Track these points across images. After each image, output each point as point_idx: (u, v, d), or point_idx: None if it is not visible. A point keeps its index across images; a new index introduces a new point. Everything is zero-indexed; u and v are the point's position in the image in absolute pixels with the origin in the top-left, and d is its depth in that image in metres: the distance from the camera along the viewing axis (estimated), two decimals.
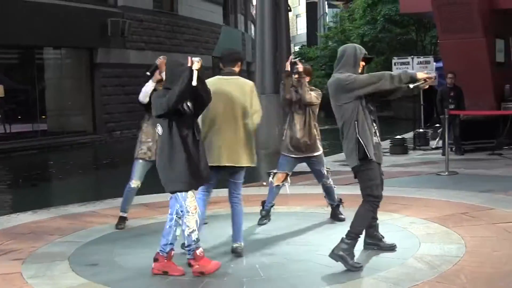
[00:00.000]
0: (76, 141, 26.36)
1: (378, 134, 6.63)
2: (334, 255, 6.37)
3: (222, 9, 42.74)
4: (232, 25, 46.62)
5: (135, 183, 8.52)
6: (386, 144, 18.02)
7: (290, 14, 31.97)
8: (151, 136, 8.27)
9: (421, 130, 18.67)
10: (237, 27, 48.21)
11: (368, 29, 38.54)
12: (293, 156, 8.58)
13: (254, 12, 33.59)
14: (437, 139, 17.52)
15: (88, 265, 6.91)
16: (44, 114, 27.51)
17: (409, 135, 19.37)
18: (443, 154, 14.00)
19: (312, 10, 69.52)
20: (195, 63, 6.18)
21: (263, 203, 8.72)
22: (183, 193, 6.25)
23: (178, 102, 6.15)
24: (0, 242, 8.09)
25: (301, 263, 6.77)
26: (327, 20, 62.01)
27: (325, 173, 8.69)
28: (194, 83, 6.15)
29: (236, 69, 7.27)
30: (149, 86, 8.22)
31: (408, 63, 18.50)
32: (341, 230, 6.95)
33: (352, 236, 6.43)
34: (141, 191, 8.69)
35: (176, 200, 6.35)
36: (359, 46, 6.70)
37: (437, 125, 18.87)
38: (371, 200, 6.51)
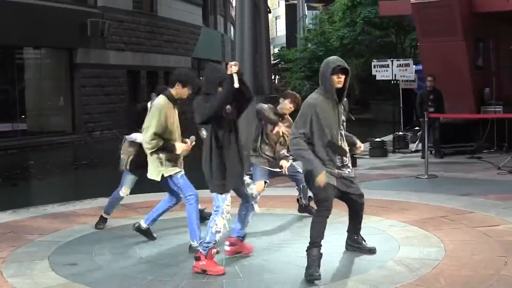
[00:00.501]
0: (55, 141, 26.22)
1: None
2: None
3: (201, 10, 42.74)
4: (211, 26, 46.64)
5: (124, 192, 8.51)
6: (365, 146, 18.12)
7: (270, 15, 32.05)
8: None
9: (400, 133, 18.74)
10: (217, 29, 48.23)
11: (347, 31, 38.64)
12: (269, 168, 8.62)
13: (234, 13, 33.68)
14: (417, 142, 17.59)
15: (67, 264, 6.91)
16: (23, 114, 27.32)
17: (388, 137, 19.44)
18: (423, 157, 14.06)
19: (291, 12, 69.64)
20: (233, 67, 6.28)
21: None
22: (223, 194, 6.46)
23: (222, 107, 6.34)
24: None
25: (281, 264, 6.79)
26: (307, 22, 62.11)
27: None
28: (236, 85, 6.28)
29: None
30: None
31: (387, 66, 18.56)
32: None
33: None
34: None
35: (215, 199, 6.55)
36: (333, 59, 6.55)
37: (417, 128, 18.95)
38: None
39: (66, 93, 28.33)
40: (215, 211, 6.53)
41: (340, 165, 6.42)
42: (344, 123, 6.62)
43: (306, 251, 6.29)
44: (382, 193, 10.71)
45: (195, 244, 7.04)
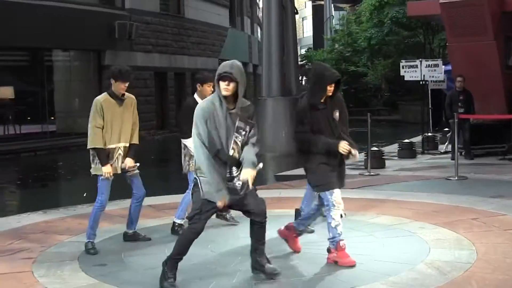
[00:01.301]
0: (84, 142, 26.24)
1: None
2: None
3: (228, 11, 42.79)
4: (238, 27, 46.66)
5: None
6: (394, 147, 18.04)
7: (297, 16, 31.97)
8: None
9: (429, 134, 18.63)
10: (244, 30, 48.25)
11: (375, 32, 38.45)
12: None
13: (261, 14, 33.69)
14: (446, 143, 17.47)
15: (97, 265, 6.94)
16: (53, 115, 27.57)
17: (417, 139, 19.33)
18: (453, 158, 13.95)
19: (318, 13, 69.48)
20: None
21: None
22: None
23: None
24: (11, 241, 8.14)
25: (310, 266, 6.76)
26: (334, 23, 61.96)
27: None
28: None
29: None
30: None
31: (416, 66, 18.43)
32: (348, 233, 6.93)
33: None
34: (148, 193, 8.67)
35: (324, 199, 6.75)
36: (221, 65, 6.12)
37: (446, 129, 18.81)
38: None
39: (95, 95, 28.27)
40: (327, 207, 6.74)
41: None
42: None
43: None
44: (412, 195, 10.64)
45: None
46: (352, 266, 6.59)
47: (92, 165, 7.66)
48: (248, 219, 6.32)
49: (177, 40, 34.43)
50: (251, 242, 6.38)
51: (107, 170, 7.47)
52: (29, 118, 27.26)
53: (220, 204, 5.90)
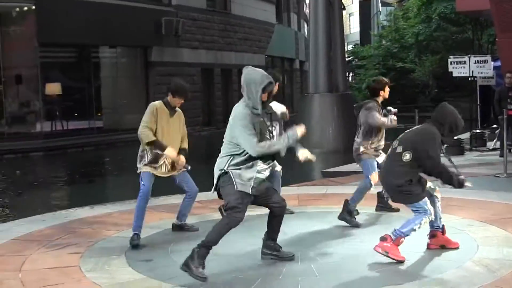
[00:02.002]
0: (131, 138, 26.53)
1: None
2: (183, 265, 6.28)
3: (275, 7, 42.72)
4: (285, 23, 46.58)
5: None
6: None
7: (344, 12, 31.83)
8: None
9: (478, 131, 18.38)
10: (290, 26, 48.15)
11: (422, 27, 38.15)
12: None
13: (308, 10, 33.60)
14: (495, 140, 17.21)
15: (143, 260, 6.98)
16: (100, 111, 27.87)
17: (465, 135, 19.08)
18: (501, 155, 13.73)
19: (365, 9, 69.02)
20: None
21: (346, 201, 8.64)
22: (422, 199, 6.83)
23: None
24: (59, 236, 8.25)
25: (356, 263, 6.73)
26: (381, 19, 61.50)
27: None
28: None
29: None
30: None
31: (465, 62, 18.20)
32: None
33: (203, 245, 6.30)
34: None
35: (419, 209, 6.84)
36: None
37: (494, 125, 18.54)
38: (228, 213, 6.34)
39: (141, 91, 28.69)
40: (424, 212, 6.77)
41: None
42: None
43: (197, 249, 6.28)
44: (460, 192, 10.43)
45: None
46: (402, 262, 6.60)
47: (139, 165, 7.88)
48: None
49: (224, 36, 34.53)
50: (268, 232, 6.81)
51: (170, 152, 7.73)
52: (76, 114, 27.55)
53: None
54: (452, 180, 6.87)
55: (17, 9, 25.41)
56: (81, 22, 24.73)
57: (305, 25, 48.28)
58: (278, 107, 8.49)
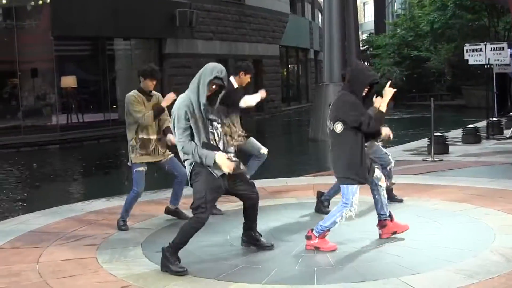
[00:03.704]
0: None
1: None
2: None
3: None
4: (299, 13, 46.47)
5: None
6: (458, 133, 17.78)
7: (358, 1, 31.71)
8: None
9: (494, 119, 18.29)
10: (304, 16, 48.04)
11: (438, 15, 37.92)
12: None
13: (321, 0, 33.51)
14: None
15: (160, 251, 6.96)
16: (115, 103, 27.93)
17: (482, 124, 19.00)
18: None
19: None
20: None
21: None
22: (354, 187, 6.69)
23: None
24: (75, 228, 8.28)
25: (372, 252, 6.73)
26: (396, 7, 61.25)
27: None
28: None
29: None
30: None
31: (481, 50, 18.09)
32: (412, 219, 6.84)
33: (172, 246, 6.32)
34: None
35: (344, 193, 6.75)
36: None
37: (511, 113, 18.45)
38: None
39: (156, 83, 28.66)
40: (344, 203, 6.71)
41: None
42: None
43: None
44: (476, 181, 10.45)
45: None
46: (334, 250, 6.72)
47: (132, 155, 8.20)
48: None
49: (238, 27, 34.48)
50: (246, 223, 6.81)
51: (170, 96, 8.02)
52: (91, 106, 27.66)
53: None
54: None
55: (32, 3, 25.50)
56: (96, 15, 24.79)
57: (319, 15, 48.15)
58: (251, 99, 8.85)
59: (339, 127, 6.68)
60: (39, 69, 25.69)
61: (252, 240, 6.88)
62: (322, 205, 8.53)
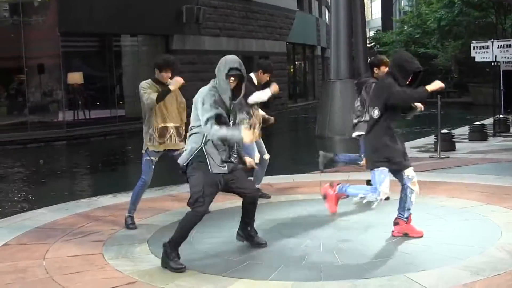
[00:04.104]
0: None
1: None
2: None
3: None
4: (306, 10, 46.41)
5: None
6: (464, 130, 17.74)
7: None
8: None
9: (501, 116, 18.26)
10: (311, 12, 47.99)
11: (445, 12, 37.85)
12: None
13: None
14: None
15: None
16: (121, 100, 27.95)
17: (488, 121, 18.96)
18: None
19: None
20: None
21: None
22: (382, 175, 6.77)
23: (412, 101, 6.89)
24: (82, 224, 8.30)
25: (378, 249, 6.71)
26: (403, 4, 61.13)
27: None
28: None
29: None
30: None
31: (488, 47, 18.05)
32: (418, 216, 6.84)
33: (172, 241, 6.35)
34: None
35: (374, 179, 6.82)
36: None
37: None
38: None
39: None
40: (373, 188, 6.82)
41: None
42: None
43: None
44: (483, 178, 10.44)
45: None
46: (421, 236, 6.77)
47: (149, 143, 8.11)
48: None
49: (245, 24, 34.45)
50: (244, 219, 6.79)
51: (177, 79, 8.05)
52: (98, 103, 27.69)
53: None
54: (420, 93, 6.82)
55: None
56: (102, 11, 24.80)
57: (326, 12, 48.13)
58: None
59: (375, 113, 6.76)
60: (45, 65, 25.71)
61: (247, 235, 6.88)
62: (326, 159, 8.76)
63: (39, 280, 6.09)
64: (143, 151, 8.19)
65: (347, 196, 7.01)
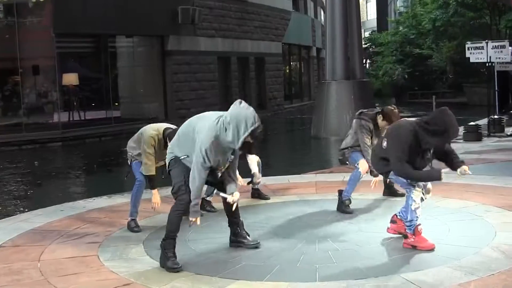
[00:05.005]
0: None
1: None
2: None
3: None
4: (301, 11, 46.42)
5: None
6: (459, 130, 17.77)
7: None
8: None
9: (496, 117, 18.28)
10: (307, 13, 47.99)
11: (440, 13, 37.90)
12: None
13: None
14: None
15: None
16: (117, 101, 27.91)
17: (483, 121, 18.99)
18: None
19: None
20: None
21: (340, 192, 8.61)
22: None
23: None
24: (77, 225, 8.30)
25: (373, 249, 6.74)
26: (398, 5, 61.22)
27: None
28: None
29: None
30: None
31: (482, 48, 18.08)
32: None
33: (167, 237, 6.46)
34: None
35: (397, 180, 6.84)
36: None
37: None
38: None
39: (158, 80, 28.72)
40: (407, 189, 6.74)
41: None
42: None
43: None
44: (478, 178, 10.44)
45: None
46: (432, 250, 6.53)
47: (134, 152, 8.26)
48: None
49: (240, 25, 34.42)
50: (230, 219, 6.90)
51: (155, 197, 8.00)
52: (93, 104, 27.64)
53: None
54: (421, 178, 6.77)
55: None
56: (98, 12, 24.76)
57: (322, 12, 48.13)
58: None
59: (384, 144, 6.74)
60: (40, 66, 25.63)
61: (237, 237, 6.92)
62: (344, 205, 8.45)
63: (34, 282, 6.09)
64: (129, 162, 8.32)
65: (417, 221, 6.72)
